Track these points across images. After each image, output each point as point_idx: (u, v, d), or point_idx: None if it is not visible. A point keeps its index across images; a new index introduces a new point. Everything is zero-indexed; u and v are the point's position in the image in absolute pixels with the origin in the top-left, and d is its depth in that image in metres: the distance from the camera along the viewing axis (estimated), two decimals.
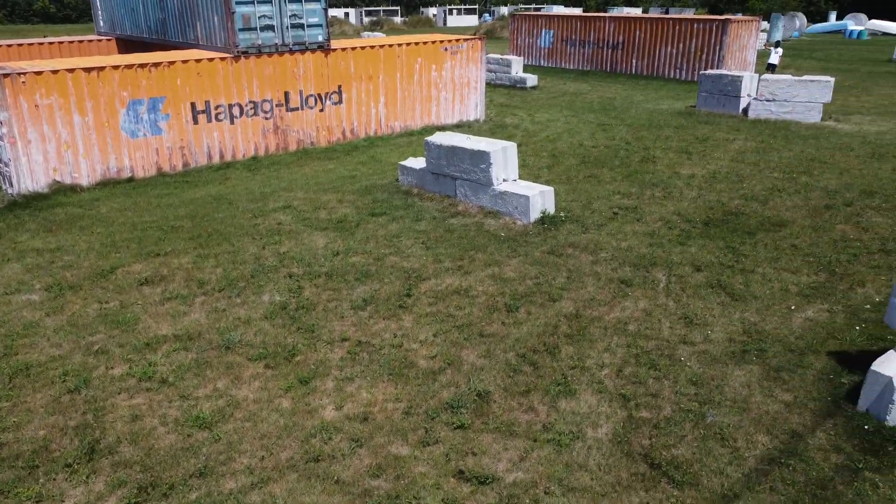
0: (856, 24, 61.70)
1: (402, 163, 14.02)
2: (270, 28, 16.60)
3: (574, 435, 6.40)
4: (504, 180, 12.13)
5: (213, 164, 16.43)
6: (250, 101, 16.67)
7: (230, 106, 16.38)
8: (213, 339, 8.13)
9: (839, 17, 69.15)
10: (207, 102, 15.98)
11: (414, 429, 6.51)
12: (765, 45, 45.18)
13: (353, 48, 18.17)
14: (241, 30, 16.16)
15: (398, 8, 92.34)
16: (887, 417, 6.37)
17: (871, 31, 59.72)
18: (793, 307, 8.78)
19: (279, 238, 11.17)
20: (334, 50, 17.75)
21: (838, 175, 14.59)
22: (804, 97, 19.97)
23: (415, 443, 6.32)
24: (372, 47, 18.51)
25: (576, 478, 5.86)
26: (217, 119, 16.26)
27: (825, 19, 69.93)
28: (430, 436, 6.40)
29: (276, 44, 16.75)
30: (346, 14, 79.56)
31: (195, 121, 15.93)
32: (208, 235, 11.39)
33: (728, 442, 6.30)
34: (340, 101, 18.23)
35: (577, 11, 49.85)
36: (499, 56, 30.37)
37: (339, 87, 18.08)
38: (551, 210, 11.92)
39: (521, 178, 12.92)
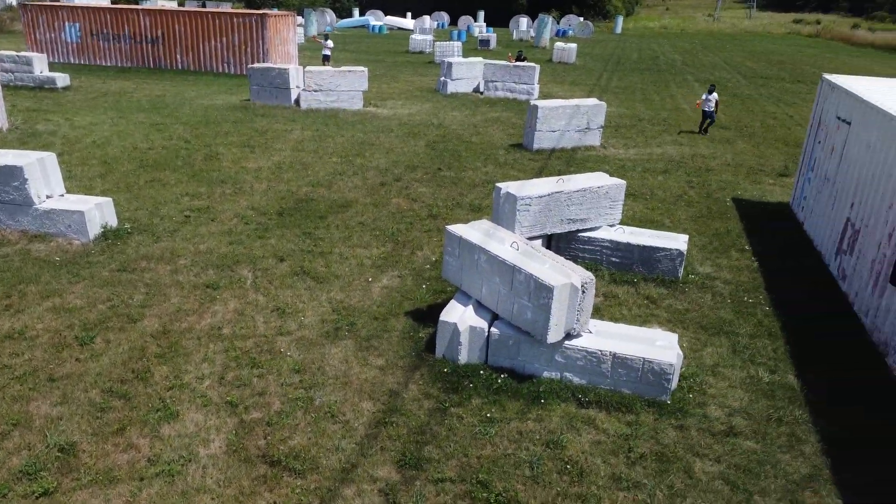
0: (376, 19, 69.83)
1: None
2: None
3: (185, 459, 5.92)
4: (48, 197, 10.47)
5: None
6: None
7: None
8: None
9: (361, 14, 77.36)
10: None
11: None
12: (314, 38, 47.92)
13: None
14: None
15: None
16: (458, 358, 7.41)
17: (388, 26, 68.28)
18: (370, 279, 9.56)
19: None
20: None
21: (385, 154, 16.36)
22: (346, 86, 21.80)
23: None
24: None
25: (196, 503, 5.44)
26: None
27: (350, 15, 77.46)
28: None
29: None
30: None
31: None
32: None
33: (338, 418, 6.57)
34: None
35: (106, 2, 45.70)
36: (14, 53, 26.01)
37: None
38: (114, 223, 10.74)
39: (69, 191, 11.33)
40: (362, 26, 68.91)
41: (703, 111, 20.07)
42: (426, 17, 65.85)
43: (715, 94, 19.91)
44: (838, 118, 11.37)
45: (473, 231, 8.08)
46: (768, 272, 10.39)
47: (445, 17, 76.80)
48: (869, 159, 9.57)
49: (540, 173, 14.97)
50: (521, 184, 9.65)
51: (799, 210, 13.05)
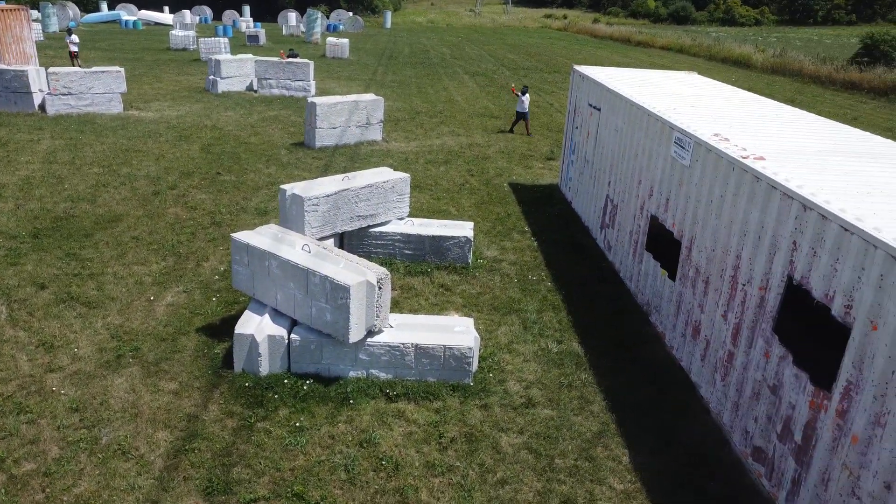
0: (129, 14, 64.13)
1: None
2: None
3: None
4: None
5: None
6: None
7: None
8: None
9: (111, 8, 70.57)
10: None
11: None
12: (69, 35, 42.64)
13: None
14: None
15: None
16: (259, 369, 7.11)
17: (144, 20, 63.06)
18: (152, 298, 8.81)
19: None
20: None
21: (156, 161, 15.14)
22: (101, 88, 19.79)
23: None
24: None
25: None
26: None
27: (98, 9, 70.28)
28: None
29: None
30: None
31: None
32: None
33: (130, 454, 5.99)
34: None
35: None
36: None
37: None
38: None
39: None
40: (113, 21, 63.06)
41: (518, 112, 20.45)
42: (186, 12, 61.89)
43: (528, 96, 20.46)
44: (590, 105, 12.61)
45: (262, 237, 7.77)
46: (546, 250, 11.27)
47: (208, 11, 72.79)
48: (618, 141, 10.73)
49: (325, 172, 14.81)
50: (306, 184, 9.46)
51: (567, 190, 14.30)
